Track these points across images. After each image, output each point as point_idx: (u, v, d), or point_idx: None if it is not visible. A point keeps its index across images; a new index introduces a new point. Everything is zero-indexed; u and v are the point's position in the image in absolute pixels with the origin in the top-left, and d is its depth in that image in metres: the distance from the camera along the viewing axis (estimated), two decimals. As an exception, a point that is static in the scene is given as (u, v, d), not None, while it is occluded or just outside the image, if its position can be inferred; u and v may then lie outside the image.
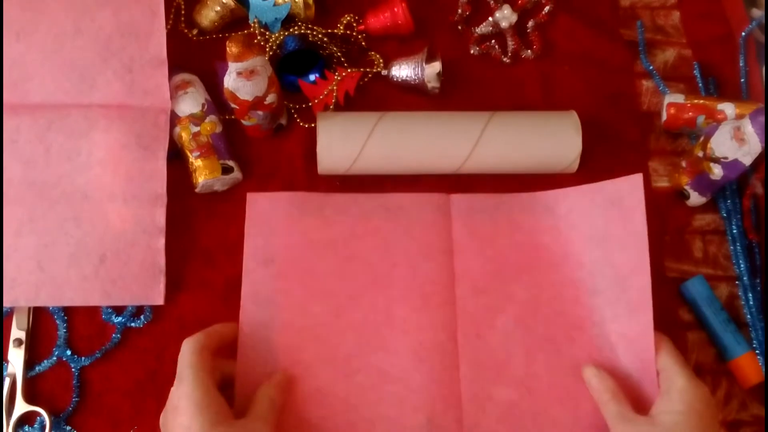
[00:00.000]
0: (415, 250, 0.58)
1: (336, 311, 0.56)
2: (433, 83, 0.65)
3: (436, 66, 0.64)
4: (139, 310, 0.58)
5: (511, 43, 0.69)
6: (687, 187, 0.63)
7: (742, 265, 0.62)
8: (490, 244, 0.59)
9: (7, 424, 0.55)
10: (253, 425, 0.48)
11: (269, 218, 0.58)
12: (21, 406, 0.55)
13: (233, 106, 0.59)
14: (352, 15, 0.69)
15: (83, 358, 0.57)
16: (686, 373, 0.50)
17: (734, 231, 0.63)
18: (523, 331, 0.56)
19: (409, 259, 0.58)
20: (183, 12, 0.68)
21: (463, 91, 0.68)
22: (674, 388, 0.49)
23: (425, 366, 0.55)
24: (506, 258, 0.59)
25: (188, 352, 0.49)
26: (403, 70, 0.65)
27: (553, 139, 0.62)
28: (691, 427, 0.47)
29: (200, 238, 0.61)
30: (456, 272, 0.58)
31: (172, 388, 0.48)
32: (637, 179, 0.56)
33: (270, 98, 0.59)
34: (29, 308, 0.58)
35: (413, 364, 0.55)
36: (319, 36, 0.67)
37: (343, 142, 0.61)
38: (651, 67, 0.70)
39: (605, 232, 0.57)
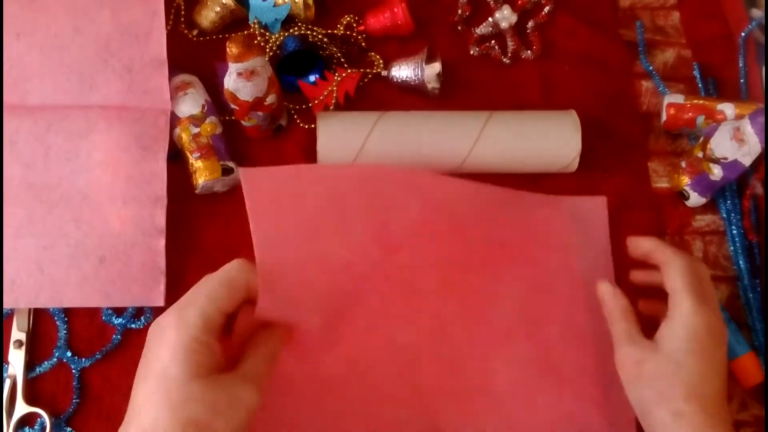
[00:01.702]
0: (393, 231, 0.54)
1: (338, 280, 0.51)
2: (432, 84, 0.65)
3: (436, 66, 0.64)
4: (139, 312, 0.58)
5: (510, 44, 0.69)
6: (687, 188, 0.63)
7: (742, 266, 0.62)
8: (463, 233, 0.57)
9: (8, 426, 0.55)
10: (241, 389, 0.40)
11: (268, 193, 0.49)
12: (21, 408, 0.55)
13: (233, 106, 0.59)
14: (352, 15, 0.69)
15: (83, 359, 0.57)
16: (693, 297, 0.47)
17: (734, 231, 0.63)
18: (483, 328, 0.57)
19: (389, 236, 0.53)
20: (183, 12, 0.68)
21: (463, 91, 0.68)
22: (679, 313, 0.48)
23: (397, 356, 0.55)
24: (474, 250, 0.58)
25: (212, 285, 0.41)
26: (402, 71, 0.65)
27: (553, 137, 0.62)
28: (692, 353, 0.46)
29: (200, 239, 0.61)
30: (427, 262, 0.56)
31: (167, 312, 0.41)
32: (601, 202, 0.62)
33: (270, 99, 0.59)
34: (29, 310, 0.58)
35: (389, 350, 0.55)
36: (319, 36, 0.67)
37: (342, 140, 0.61)
38: (651, 68, 0.70)
39: (566, 241, 0.60)
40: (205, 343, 0.39)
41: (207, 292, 0.40)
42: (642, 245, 0.53)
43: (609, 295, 0.52)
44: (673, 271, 0.49)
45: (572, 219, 0.61)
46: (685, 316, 0.47)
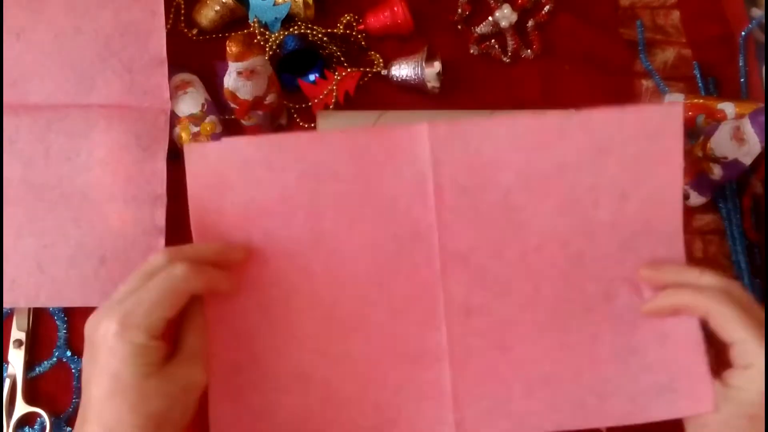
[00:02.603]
0: (382, 199, 0.49)
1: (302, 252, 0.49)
2: (432, 83, 0.64)
3: (436, 66, 0.64)
4: (139, 311, 0.58)
5: (511, 43, 0.69)
6: (687, 187, 0.63)
7: (742, 265, 0.62)
8: (465, 183, 0.49)
9: (8, 425, 0.55)
10: (190, 375, 0.42)
11: (215, 172, 0.48)
12: (21, 407, 0.55)
13: (233, 106, 0.59)
14: (351, 14, 0.69)
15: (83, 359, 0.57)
16: (762, 342, 0.42)
17: (734, 231, 0.63)
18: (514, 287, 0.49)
19: (376, 207, 0.49)
20: (183, 12, 0.68)
21: (463, 90, 0.68)
22: (756, 366, 0.42)
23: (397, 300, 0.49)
24: (486, 205, 0.49)
25: (159, 286, 0.42)
26: (402, 70, 0.65)
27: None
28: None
29: (200, 238, 0.61)
30: (429, 223, 0.49)
31: (108, 310, 0.41)
32: (676, 110, 0.47)
33: (270, 98, 0.59)
34: (29, 309, 0.58)
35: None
36: (319, 36, 0.67)
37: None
38: (651, 67, 0.70)
39: (628, 182, 0.48)
40: (152, 347, 0.40)
41: (150, 301, 0.41)
42: (665, 303, 0.47)
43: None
44: (727, 320, 0.43)
45: (632, 137, 0.48)
46: (760, 367, 0.42)
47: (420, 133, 0.48)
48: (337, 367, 0.48)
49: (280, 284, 0.48)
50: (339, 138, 0.48)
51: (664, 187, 0.49)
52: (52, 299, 0.57)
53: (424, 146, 0.48)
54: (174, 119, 0.61)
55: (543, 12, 0.70)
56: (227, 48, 0.54)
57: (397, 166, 0.48)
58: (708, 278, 0.46)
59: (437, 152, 0.48)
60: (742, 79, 0.70)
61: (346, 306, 0.49)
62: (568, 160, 0.48)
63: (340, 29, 0.68)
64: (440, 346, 0.49)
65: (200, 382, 0.43)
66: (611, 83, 0.69)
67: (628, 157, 0.48)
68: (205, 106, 0.61)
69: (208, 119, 0.61)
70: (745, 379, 0.43)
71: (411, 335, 0.49)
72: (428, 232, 0.49)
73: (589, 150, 0.48)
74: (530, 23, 0.70)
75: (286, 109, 0.65)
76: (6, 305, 0.57)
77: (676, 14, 0.73)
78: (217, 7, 0.67)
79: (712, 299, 0.44)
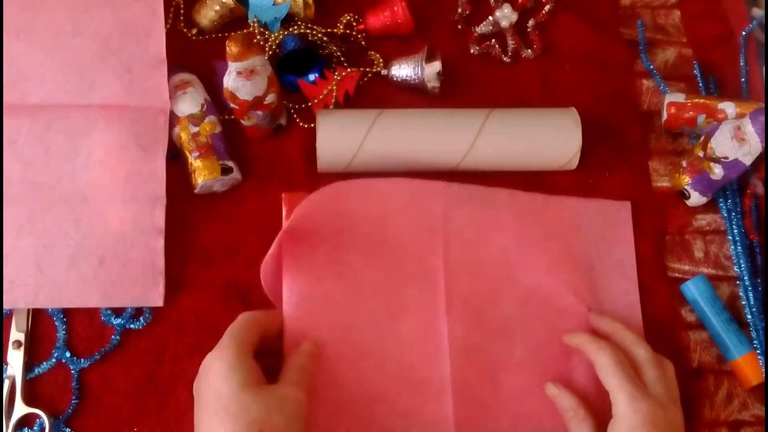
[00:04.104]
0: (405, 238, 0.58)
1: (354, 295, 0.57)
2: (433, 83, 0.64)
3: (436, 65, 0.64)
4: (138, 312, 0.58)
5: (511, 43, 0.69)
6: (687, 187, 0.63)
7: (743, 265, 0.62)
8: (488, 239, 0.59)
9: (7, 427, 0.55)
10: (285, 390, 0.48)
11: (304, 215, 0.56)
12: (20, 408, 0.55)
13: (233, 106, 0.59)
14: (351, 14, 0.69)
15: (82, 359, 0.57)
16: (626, 391, 0.48)
17: (735, 231, 0.63)
18: (504, 325, 0.57)
19: (398, 246, 0.58)
20: (182, 11, 0.68)
21: (463, 90, 0.68)
22: (617, 412, 0.48)
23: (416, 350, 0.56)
24: (490, 254, 0.59)
25: (236, 323, 0.50)
26: (402, 70, 0.65)
27: (553, 134, 0.62)
28: None
29: (200, 239, 0.61)
30: (442, 262, 0.58)
31: (208, 354, 0.49)
32: (626, 205, 0.62)
33: (269, 98, 0.59)
34: (28, 310, 0.58)
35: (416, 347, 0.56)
36: (319, 35, 0.67)
37: (342, 137, 0.60)
38: (651, 67, 0.70)
39: (591, 244, 0.61)
40: (245, 364, 0.47)
41: (233, 333, 0.50)
42: (572, 341, 0.55)
43: (558, 397, 0.54)
44: (603, 370, 0.50)
45: (597, 221, 0.62)
46: (621, 415, 0.48)
47: (436, 189, 0.59)
48: (349, 390, 0.54)
49: (300, 305, 0.54)
50: (365, 184, 0.58)
51: (622, 263, 0.61)
52: (51, 300, 0.57)
53: (438, 203, 0.58)
54: (173, 119, 0.60)
55: (543, 12, 0.70)
56: (227, 48, 0.54)
57: (413, 218, 0.58)
58: (623, 334, 0.53)
59: (449, 210, 0.58)
60: (742, 79, 0.69)
61: (360, 333, 0.55)
62: (551, 230, 0.60)
63: (340, 29, 0.68)
64: (444, 378, 0.54)
65: (296, 398, 0.48)
66: (611, 83, 0.69)
67: (592, 236, 0.61)
68: (205, 106, 0.61)
69: (207, 119, 0.61)
70: (612, 427, 0.48)
71: (418, 367, 0.55)
72: (436, 275, 0.57)
73: (566, 225, 0.61)
74: (530, 23, 0.69)
75: (286, 109, 0.65)
76: (5, 306, 0.56)
77: (676, 14, 0.73)
78: (217, 7, 0.66)
79: (596, 349, 0.51)
